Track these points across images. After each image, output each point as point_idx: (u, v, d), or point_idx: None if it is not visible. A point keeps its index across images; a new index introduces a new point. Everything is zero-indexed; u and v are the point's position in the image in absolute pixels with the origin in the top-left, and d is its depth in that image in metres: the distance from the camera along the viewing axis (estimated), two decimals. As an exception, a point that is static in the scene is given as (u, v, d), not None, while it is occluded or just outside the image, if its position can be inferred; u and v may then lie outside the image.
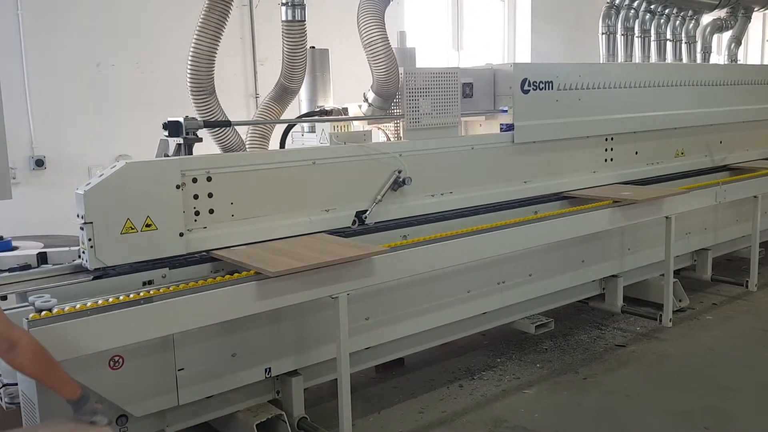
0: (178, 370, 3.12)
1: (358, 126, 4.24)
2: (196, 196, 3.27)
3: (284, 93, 3.92)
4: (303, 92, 4.16)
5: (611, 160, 5.19)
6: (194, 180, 3.25)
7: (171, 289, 2.91)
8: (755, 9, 6.92)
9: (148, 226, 3.11)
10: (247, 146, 3.89)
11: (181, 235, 3.21)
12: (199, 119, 3.44)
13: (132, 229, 3.07)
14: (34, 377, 2.50)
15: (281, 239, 3.52)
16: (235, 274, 3.13)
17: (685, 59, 6.21)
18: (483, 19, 8.80)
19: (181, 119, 3.34)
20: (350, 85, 4.47)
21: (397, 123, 4.22)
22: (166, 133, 3.38)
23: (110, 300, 2.77)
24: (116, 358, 2.91)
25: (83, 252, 3.03)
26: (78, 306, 2.72)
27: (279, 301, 3.10)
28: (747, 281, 5.94)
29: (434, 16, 8.26)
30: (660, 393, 4.09)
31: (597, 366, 4.48)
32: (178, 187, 3.19)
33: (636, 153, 5.37)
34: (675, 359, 4.57)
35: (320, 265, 3.12)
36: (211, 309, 2.91)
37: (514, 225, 4.13)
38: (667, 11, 5.97)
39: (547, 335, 4.92)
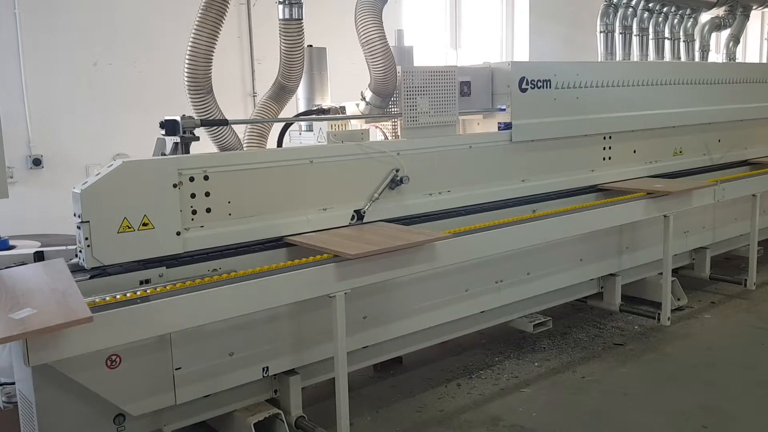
0: (176, 369, 3.12)
1: (355, 125, 4.24)
2: (193, 195, 3.26)
3: (282, 92, 3.92)
4: (300, 91, 4.16)
5: (609, 158, 5.19)
6: (191, 179, 3.25)
7: (168, 288, 2.90)
8: (754, 7, 6.92)
9: (145, 225, 3.11)
10: (244, 145, 3.88)
11: (178, 234, 3.20)
12: (196, 118, 3.44)
13: (129, 228, 3.07)
14: None
15: (345, 227, 3.75)
16: (240, 272, 3.12)
17: (683, 58, 6.21)
18: (481, 18, 8.80)
19: (178, 118, 3.34)
20: (348, 84, 4.47)
21: (394, 121, 4.21)
22: (163, 131, 3.37)
23: (107, 299, 2.76)
24: (113, 358, 2.91)
25: (80, 251, 3.03)
26: None
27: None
28: (745, 280, 5.94)
29: (432, 14, 8.25)
30: (658, 392, 4.09)
31: (595, 365, 4.49)
32: (175, 186, 3.18)
33: (634, 152, 5.37)
34: (673, 358, 4.57)
35: (389, 250, 3.35)
36: (213, 305, 2.91)
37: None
38: (665, 10, 5.97)
39: (546, 334, 4.92)
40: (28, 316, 2.47)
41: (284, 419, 3.44)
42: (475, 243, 3.88)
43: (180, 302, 2.81)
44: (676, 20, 6.09)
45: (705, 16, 6.60)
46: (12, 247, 3.41)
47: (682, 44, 6.18)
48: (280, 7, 3.72)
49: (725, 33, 6.89)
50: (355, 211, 3.85)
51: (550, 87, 4.68)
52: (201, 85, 3.47)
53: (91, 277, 3.02)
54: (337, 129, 4.06)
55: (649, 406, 3.92)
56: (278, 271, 3.14)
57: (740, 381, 4.20)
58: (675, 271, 5.64)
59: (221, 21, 3.47)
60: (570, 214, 4.41)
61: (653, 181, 5.25)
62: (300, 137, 4.25)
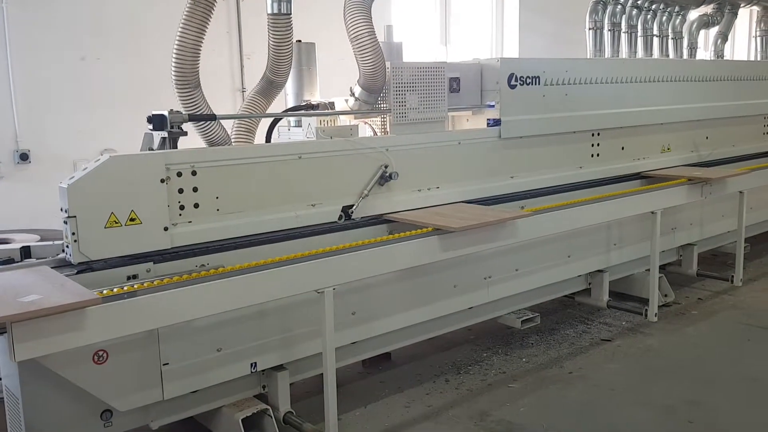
0: (163, 364, 3.11)
1: (344, 120, 4.24)
2: (180, 191, 3.25)
3: (270, 87, 3.91)
4: (289, 86, 4.15)
5: (597, 155, 5.21)
6: (179, 174, 3.23)
7: (155, 283, 2.89)
8: (741, 5, 6.96)
9: (132, 220, 3.10)
10: (232, 140, 3.87)
11: (166, 229, 3.19)
12: (184, 113, 3.42)
13: (116, 223, 3.06)
14: None
15: (437, 206, 4.12)
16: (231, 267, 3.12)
17: (671, 55, 6.24)
18: (471, 14, 8.80)
19: (165, 113, 3.32)
20: (338, 80, 4.46)
21: (383, 117, 4.21)
22: (151, 126, 3.36)
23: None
24: (100, 353, 2.90)
25: (67, 246, 3.01)
26: None
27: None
28: (732, 276, 5.98)
29: (422, 10, 8.25)
30: (645, 387, 4.12)
31: (582, 360, 4.51)
32: (162, 181, 3.17)
33: (622, 148, 5.40)
34: (660, 354, 4.60)
35: (487, 223, 3.81)
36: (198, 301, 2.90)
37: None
38: (653, 7, 5.99)
39: (533, 330, 4.94)
40: (36, 299, 2.53)
41: (272, 415, 3.44)
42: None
43: (167, 298, 2.80)
44: (664, 17, 6.11)
45: (693, 14, 6.62)
46: (8, 242, 3.40)
47: (670, 41, 6.21)
48: (269, 1, 3.70)
49: (713, 30, 6.93)
50: (344, 207, 3.85)
51: (539, 84, 4.69)
52: (188, 79, 3.46)
53: (78, 273, 3.00)
54: (325, 125, 4.05)
55: (636, 401, 3.95)
56: (267, 266, 3.13)
57: (726, 376, 4.24)
58: (662, 268, 5.68)
59: (209, 15, 3.45)
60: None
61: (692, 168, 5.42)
62: (289, 133, 4.23)
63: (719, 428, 3.63)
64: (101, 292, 2.76)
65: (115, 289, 2.79)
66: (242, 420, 3.34)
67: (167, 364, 3.12)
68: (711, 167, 5.81)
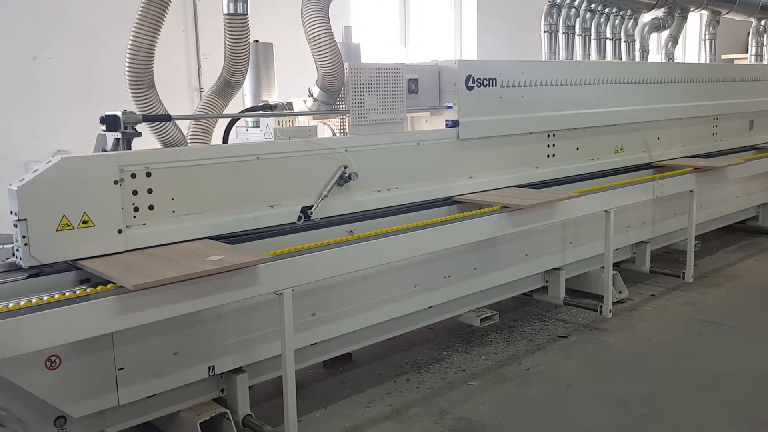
0: (118, 369, 3.06)
1: (303, 121, 4.23)
2: (135, 192, 3.20)
3: (227, 87, 3.88)
4: (247, 86, 4.12)
5: (553, 155, 5.30)
6: (133, 175, 3.19)
7: (109, 287, 2.84)
8: (691, 9, 7.15)
9: (85, 222, 3.04)
10: (189, 141, 3.83)
11: (120, 231, 3.14)
12: (138, 113, 3.37)
13: (68, 225, 2.99)
14: None
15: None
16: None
17: (624, 57, 6.38)
18: (430, 16, 8.86)
19: (119, 113, 3.27)
20: (297, 80, 4.45)
21: (342, 118, 4.21)
22: (104, 127, 3.30)
23: (45, 299, 2.70)
24: (53, 358, 2.84)
25: (17, 249, 2.94)
26: (11, 305, 2.64)
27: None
28: (683, 273, 6.15)
29: (381, 11, 8.27)
30: (600, 382, 4.21)
31: (540, 357, 4.58)
32: (116, 182, 3.12)
33: (577, 149, 5.50)
34: (614, 349, 4.70)
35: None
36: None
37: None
38: (606, 10, 6.11)
39: (493, 328, 5.01)
40: (220, 258, 2.98)
41: (231, 418, 3.41)
42: (420, 238, 3.94)
43: (121, 302, 2.76)
44: (617, 21, 6.24)
45: (645, 17, 6.78)
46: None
47: (623, 44, 6.34)
48: (225, 1, 3.67)
49: (665, 34, 7.11)
50: (303, 207, 3.84)
51: (495, 85, 4.75)
52: (142, 79, 3.41)
53: (28, 277, 2.93)
54: (284, 125, 4.04)
55: (592, 395, 4.03)
56: (222, 269, 3.10)
57: (678, 370, 4.35)
58: (616, 265, 5.81)
59: (163, 15, 3.41)
60: (513, 211, 4.48)
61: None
62: (247, 133, 4.21)
63: (671, 421, 3.73)
64: (53, 297, 2.71)
65: (67, 294, 2.74)
66: (201, 424, 3.31)
67: (122, 368, 3.07)
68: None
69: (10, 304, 2.65)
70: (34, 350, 2.64)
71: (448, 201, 4.54)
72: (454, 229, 4.11)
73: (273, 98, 4.18)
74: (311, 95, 4.08)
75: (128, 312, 2.79)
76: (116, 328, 2.85)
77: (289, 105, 4.15)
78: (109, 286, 2.86)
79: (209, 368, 3.38)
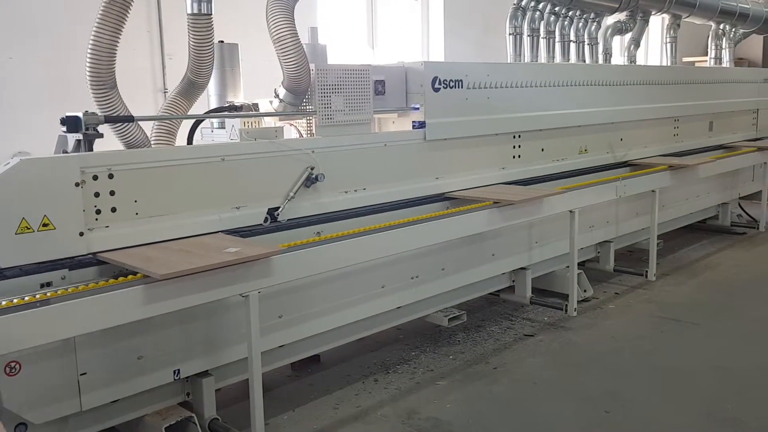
0: (80, 374, 3.01)
1: (269, 122, 4.21)
2: (97, 194, 3.14)
3: (191, 88, 3.84)
4: (212, 87, 4.09)
5: (519, 156, 5.35)
6: (95, 177, 3.13)
7: (70, 290, 2.80)
8: (653, 13, 7.29)
9: (45, 225, 2.98)
10: (152, 142, 3.78)
11: (82, 234, 3.08)
12: (99, 114, 3.32)
13: (28, 228, 2.93)
14: None
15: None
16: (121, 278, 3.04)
17: (588, 60, 6.47)
18: (398, 18, 8.89)
19: (80, 114, 3.21)
20: (264, 81, 4.42)
21: (309, 119, 4.20)
22: (65, 128, 3.24)
23: (3, 303, 2.64)
24: (12, 364, 2.79)
25: (-25, 253, 2.87)
26: (38, 295, 2.65)
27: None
28: (646, 271, 6.27)
29: (348, 12, 8.27)
30: (565, 379, 4.26)
31: (507, 355, 4.63)
32: (77, 184, 3.06)
33: (542, 150, 5.57)
34: (579, 347, 4.77)
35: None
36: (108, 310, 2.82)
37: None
38: (570, 13, 6.20)
39: (460, 327, 5.04)
40: (237, 250, 3.13)
41: (197, 422, 3.38)
42: (388, 239, 3.92)
43: (83, 305, 2.71)
44: (580, 24, 6.33)
45: (608, 21, 6.90)
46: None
47: (586, 47, 6.44)
48: (189, 1, 3.64)
49: (627, 37, 7.23)
50: (270, 209, 3.82)
51: (462, 87, 4.79)
52: (104, 80, 3.35)
53: (-14, 281, 2.87)
54: (250, 126, 4.01)
55: (557, 393, 4.08)
56: (187, 272, 3.06)
57: (641, 367, 4.43)
58: (581, 264, 5.91)
59: (125, 14, 3.36)
60: (481, 210, 4.52)
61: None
62: (212, 135, 4.17)
63: (634, 417, 3.79)
64: (11, 301, 2.65)
65: (26, 298, 2.69)
66: (166, 428, 3.27)
67: (85, 373, 3.02)
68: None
69: (37, 295, 2.71)
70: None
71: (415, 202, 4.55)
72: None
73: (238, 99, 4.15)
74: (277, 96, 4.06)
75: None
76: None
77: (255, 106, 4.13)
78: (71, 289, 2.81)
79: (174, 372, 3.34)
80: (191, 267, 2.93)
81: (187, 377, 3.44)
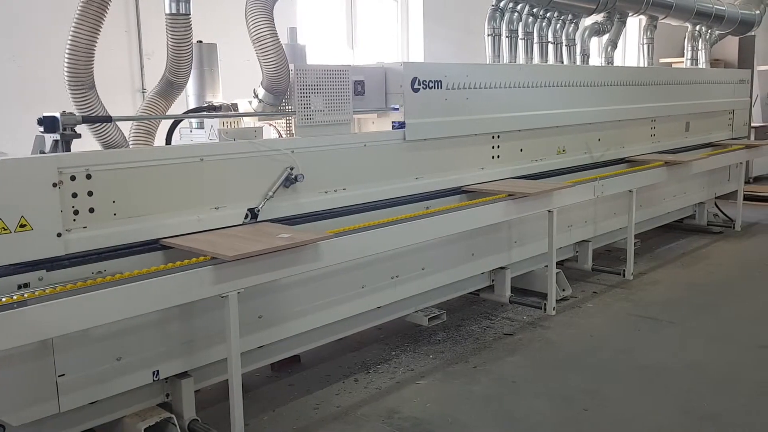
0: (59, 375, 3.00)
1: (248, 122, 4.20)
2: (74, 195, 3.12)
3: (170, 88, 3.82)
4: (190, 87, 4.07)
5: (498, 157, 5.39)
6: (72, 178, 3.11)
7: (48, 291, 2.78)
8: (630, 14, 7.38)
9: (22, 226, 2.95)
10: (131, 142, 3.76)
11: (59, 235, 3.06)
12: (77, 114, 3.30)
13: (5, 229, 2.91)
14: None
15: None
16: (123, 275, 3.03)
17: (565, 61, 6.53)
18: (377, 19, 8.90)
19: (57, 114, 3.19)
20: (243, 81, 4.41)
21: (288, 120, 4.21)
22: (42, 128, 3.22)
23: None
24: (-12, 366, 2.76)
25: (-50, 255, 2.85)
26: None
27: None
28: (624, 270, 6.34)
29: (327, 13, 8.27)
30: (544, 378, 4.30)
31: (486, 354, 4.66)
32: (54, 185, 3.04)
33: (521, 150, 5.61)
34: (558, 346, 4.82)
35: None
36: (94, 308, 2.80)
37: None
38: (548, 15, 6.25)
39: (440, 327, 5.07)
40: (290, 236, 3.42)
41: (176, 423, 3.37)
42: (366, 239, 3.94)
43: (61, 306, 2.69)
44: (558, 25, 6.39)
45: (586, 22, 6.97)
46: None
47: (564, 48, 6.50)
48: (167, 1, 3.62)
49: (605, 38, 7.31)
50: (249, 209, 3.81)
51: (441, 87, 4.81)
52: (82, 80, 3.33)
53: (-38, 283, 2.84)
54: (229, 127, 4.00)
55: (536, 391, 4.12)
56: (168, 271, 3.06)
57: (619, 365, 4.49)
58: (560, 264, 5.97)
59: (104, 13, 3.34)
60: (462, 210, 4.55)
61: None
62: (191, 135, 4.16)
63: (612, 414, 3.84)
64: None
65: (3, 299, 2.66)
66: (145, 429, 3.26)
67: (63, 375, 3.00)
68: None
69: (15, 296, 2.71)
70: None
71: (395, 202, 4.57)
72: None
73: (217, 99, 4.14)
74: (256, 96, 4.06)
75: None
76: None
77: (234, 106, 4.12)
78: (48, 290, 2.79)
79: (153, 373, 3.33)
80: (259, 249, 3.22)
81: (166, 378, 3.43)
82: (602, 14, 6.93)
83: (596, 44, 7.52)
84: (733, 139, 8.78)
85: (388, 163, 4.56)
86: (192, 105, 4.13)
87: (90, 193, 3.17)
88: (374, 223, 4.07)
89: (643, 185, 6.40)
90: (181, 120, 4.03)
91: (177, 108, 4.01)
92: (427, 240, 4.49)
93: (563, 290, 5.75)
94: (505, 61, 5.91)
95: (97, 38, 3.34)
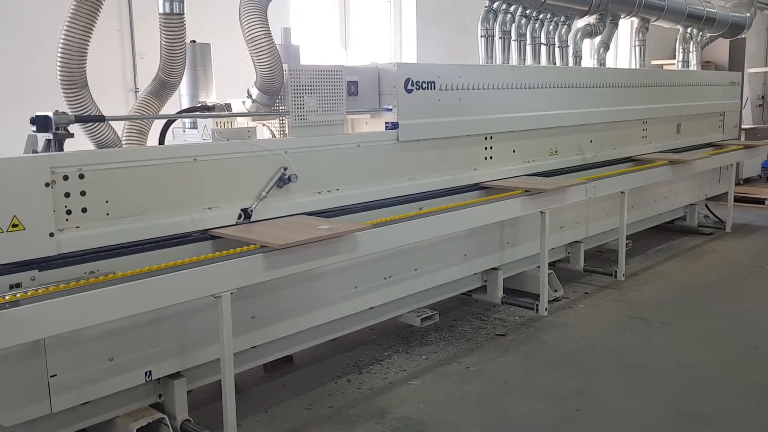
0: (51, 376, 2.99)
1: (242, 122, 4.20)
2: (67, 195, 3.11)
3: (163, 88, 3.82)
4: (184, 87, 4.06)
5: (491, 158, 5.40)
6: (65, 177, 3.10)
7: (40, 291, 2.77)
8: (622, 16, 7.41)
9: (15, 226, 2.94)
10: (123, 142, 3.75)
11: (52, 235, 3.05)
12: (70, 114, 3.28)
13: (-3, 229, 2.90)
14: None
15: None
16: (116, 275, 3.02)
17: (558, 62, 6.55)
18: (370, 19, 8.90)
19: (50, 114, 3.18)
20: (236, 81, 4.41)
21: (282, 120, 4.21)
22: (34, 128, 3.20)
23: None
24: (-20, 367, 2.75)
25: (-59, 255, 2.83)
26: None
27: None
28: (616, 271, 6.37)
29: (321, 13, 8.27)
30: (536, 378, 4.32)
31: (479, 355, 4.67)
32: (47, 185, 3.03)
33: (514, 151, 5.63)
34: (550, 346, 4.84)
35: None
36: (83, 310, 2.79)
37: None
38: (541, 16, 6.27)
39: (433, 327, 5.08)
40: (330, 227, 3.61)
41: (169, 423, 3.37)
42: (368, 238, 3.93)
43: (53, 306, 2.68)
44: (551, 27, 6.41)
45: (578, 24, 6.99)
46: None
47: (557, 50, 6.52)
48: (161, 1, 3.62)
49: (597, 40, 7.34)
50: (242, 209, 3.81)
51: (434, 88, 4.82)
52: (75, 79, 3.32)
53: (-46, 283, 2.83)
54: (222, 127, 4.00)
55: (528, 392, 4.13)
56: (161, 272, 3.06)
57: (611, 365, 4.51)
58: (552, 264, 5.99)
59: (97, 13, 3.33)
60: (455, 211, 4.56)
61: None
62: (184, 135, 4.15)
63: (603, 414, 3.86)
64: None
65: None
66: (137, 430, 3.26)
67: (55, 375, 2.99)
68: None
69: (7, 296, 2.70)
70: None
71: (387, 202, 4.57)
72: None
73: (211, 99, 4.14)
74: (250, 96, 4.06)
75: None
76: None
77: (228, 106, 4.12)
78: (41, 290, 2.78)
79: (146, 373, 3.32)
80: (305, 238, 3.41)
81: (158, 379, 3.43)
82: (594, 16, 6.96)
83: (588, 46, 7.54)
84: (724, 140, 8.84)
85: (382, 164, 4.57)
86: (185, 105, 4.13)
87: (83, 193, 3.16)
88: (404, 216, 4.30)
89: (636, 186, 6.43)
90: (175, 120, 4.03)
91: (170, 108, 4.01)
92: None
93: (555, 291, 5.77)
94: (498, 63, 5.93)
95: (90, 37, 3.33)
